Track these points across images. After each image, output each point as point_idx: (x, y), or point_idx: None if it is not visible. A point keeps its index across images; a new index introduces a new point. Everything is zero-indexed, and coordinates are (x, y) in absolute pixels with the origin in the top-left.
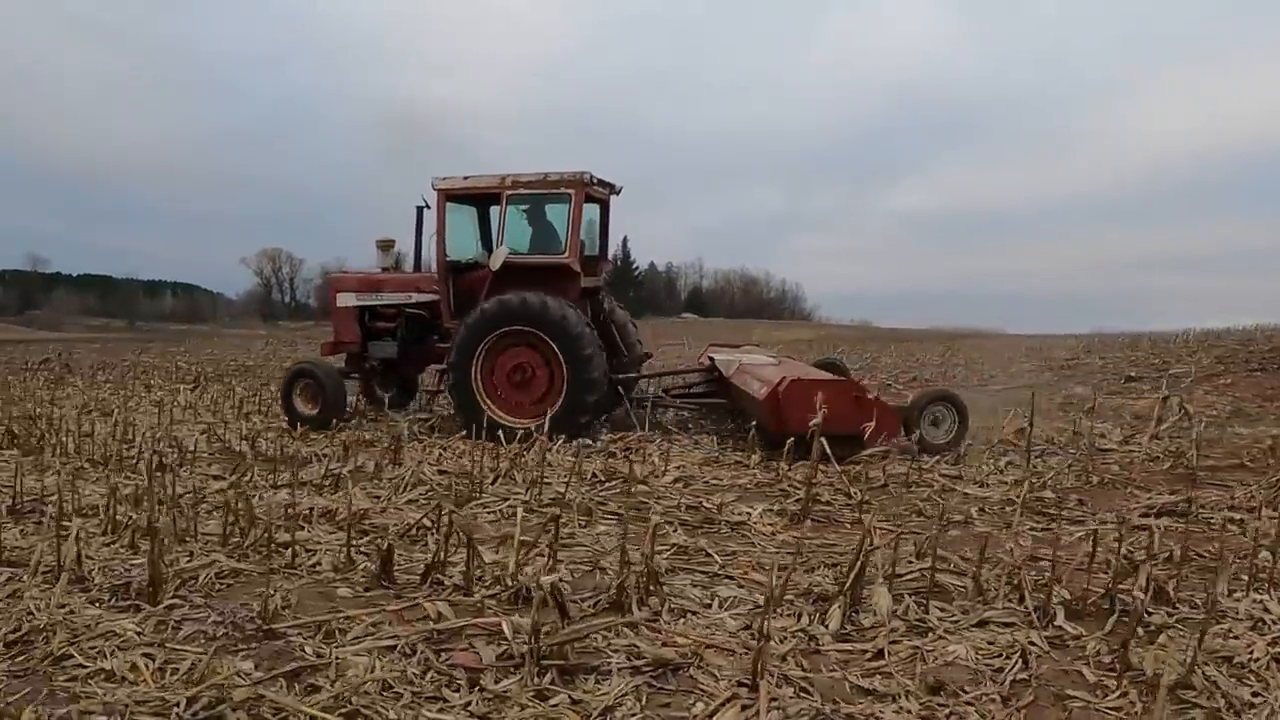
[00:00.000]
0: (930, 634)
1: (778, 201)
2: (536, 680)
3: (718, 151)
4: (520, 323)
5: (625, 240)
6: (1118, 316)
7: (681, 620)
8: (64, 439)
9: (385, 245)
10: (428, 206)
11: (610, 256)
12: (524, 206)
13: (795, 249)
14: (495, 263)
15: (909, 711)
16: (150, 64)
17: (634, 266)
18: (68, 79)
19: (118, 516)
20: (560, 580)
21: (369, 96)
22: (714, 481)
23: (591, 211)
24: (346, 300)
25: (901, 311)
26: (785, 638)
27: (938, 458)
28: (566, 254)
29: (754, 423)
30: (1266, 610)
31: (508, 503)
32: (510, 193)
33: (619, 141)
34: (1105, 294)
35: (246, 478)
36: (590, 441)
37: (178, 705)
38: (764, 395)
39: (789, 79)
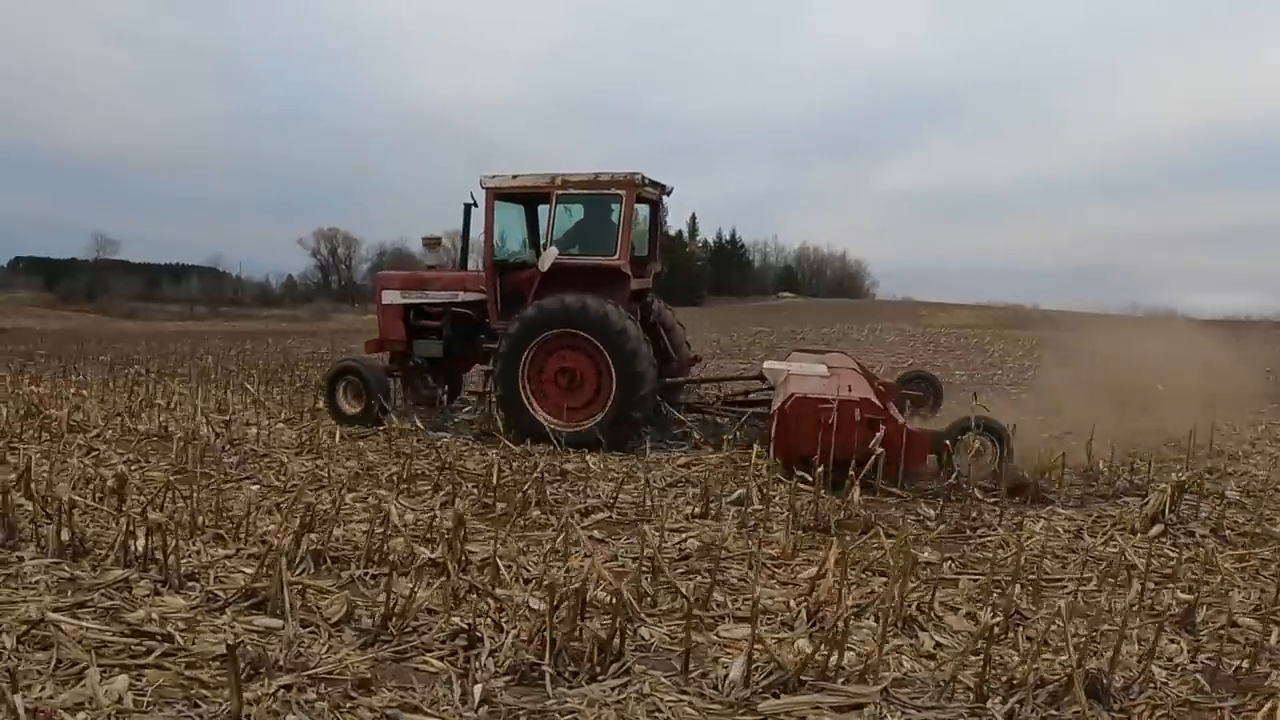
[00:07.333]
0: None
1: (768, 181)
2: None
3: (709, 134)
4: (563, 325)
5: (694, 217)
6: (1131, 292)
7: None
8: None
9: (431, 243)
10: (475, 204)
11: (691, 240)
12: (574, 206)
13: (790, 229)
14: (544, 264)
15: None
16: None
17: (740, 247)
18: (77, 72)
19: None
20: None
21: (376, 91)
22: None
23: (641, 212)
24: (392, 298)
25: (918, 287)
26: None
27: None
28: (617, 256)
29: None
30: None
31: None
32: (560, 192)
33: (615, 126)
34: (1102, 269)
35: None
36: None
37: None
38: (772, 413)
39: (774, 64)
